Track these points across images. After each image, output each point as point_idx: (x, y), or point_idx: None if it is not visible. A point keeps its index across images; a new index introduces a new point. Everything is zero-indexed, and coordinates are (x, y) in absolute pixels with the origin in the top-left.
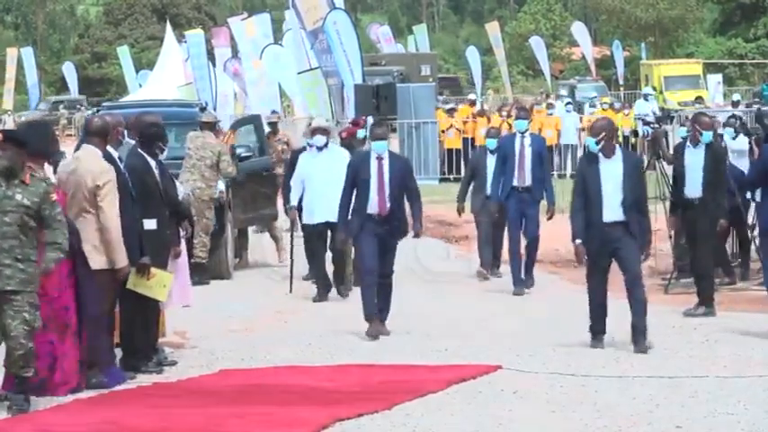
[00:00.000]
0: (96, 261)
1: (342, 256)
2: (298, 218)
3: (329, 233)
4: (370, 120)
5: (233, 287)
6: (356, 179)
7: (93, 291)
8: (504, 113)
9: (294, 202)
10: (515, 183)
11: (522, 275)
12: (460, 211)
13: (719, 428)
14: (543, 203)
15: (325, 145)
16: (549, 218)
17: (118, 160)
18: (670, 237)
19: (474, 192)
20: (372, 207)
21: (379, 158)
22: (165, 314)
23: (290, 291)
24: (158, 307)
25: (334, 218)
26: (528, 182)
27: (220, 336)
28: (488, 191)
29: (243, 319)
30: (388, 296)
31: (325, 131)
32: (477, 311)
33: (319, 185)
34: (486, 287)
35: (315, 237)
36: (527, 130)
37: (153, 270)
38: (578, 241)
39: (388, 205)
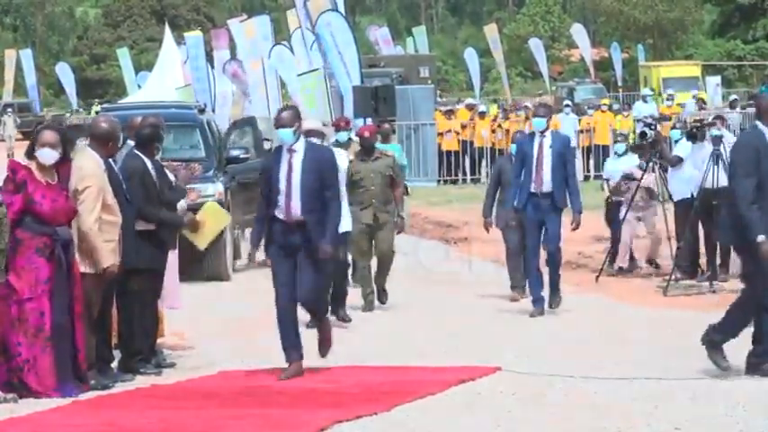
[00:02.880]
0: (82, 264)
1: (342, 274)
2: None
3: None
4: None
5: (231, 288)
6: (268, 179)
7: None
8: (502, 115)
9: None
10: (533, 188)
11: (545, 293)
12: (488, 226)
13: (718, 430)
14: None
15: None
16: (574, 228)
17: (112, 163)
18: (669, 239)
19: (500, 204)
20: (280, 212)
21: (290, 151)
22: (164, 315)
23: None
24: (157, 309)
25: None
26: (547, 187)
27: (219, 337)
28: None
29: (241, 321)
30: (323, 337)
31: (318, 134)
32: (476, 313)
33: None
34: (486, 289)
35: None
36: (546, 129)
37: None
38: (762, 237)
39: (298, 210)
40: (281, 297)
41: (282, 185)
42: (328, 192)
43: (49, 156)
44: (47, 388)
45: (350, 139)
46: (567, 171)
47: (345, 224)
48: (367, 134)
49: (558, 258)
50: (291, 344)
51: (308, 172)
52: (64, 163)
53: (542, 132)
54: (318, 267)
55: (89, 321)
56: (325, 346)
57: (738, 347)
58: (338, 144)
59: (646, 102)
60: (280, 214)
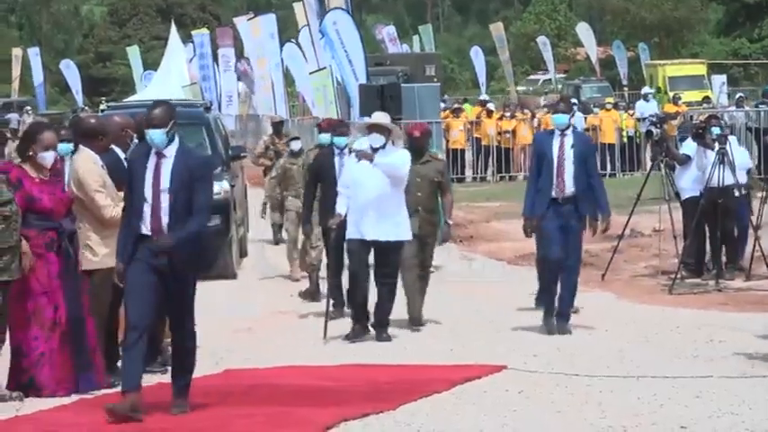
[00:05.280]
0: (87, 261)
1: (390, 290)
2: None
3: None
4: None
5: (237, 286)
6: (130, 186)
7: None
8: (508, 114)
9: (342, 210)
10: (554, 193)
11: (554, 315)
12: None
13: (723, 428)
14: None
15: (383, 147)
16: (605, 230)
17: (124, 162)
18: (675, 237)
19: None
20: (145, 226)
21: (159, 155)
22: None
23: (325, 336)
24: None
25: (388, 236)
26: (570, 191)
27: (225, 336)
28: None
29: (247, 319)
30: (184, 369)
31: (383, 129)
32: (481, 312)
33: (371, 194)
34: (491, 288)
35: (358, 257)
36: (568, 126)
37: None
38: None
39: (165, 223)
40: (131, 323)
41: (148, 195)
42: (197, 203)
43: (51, 158)
44: (59, 383)
45: (332, 142)
46: (590, 172)
47: (405, 233)
48: (417, 134)
49: (575, 277)
50: (133, 372)
51: (179, 181)
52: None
53: (563, 131)
54: (185, 296)
55: (100, 318)
56: (182, 397)
57: (742, 344)
58: (320, 147)
59: (647, 100)
60: (144, 229)
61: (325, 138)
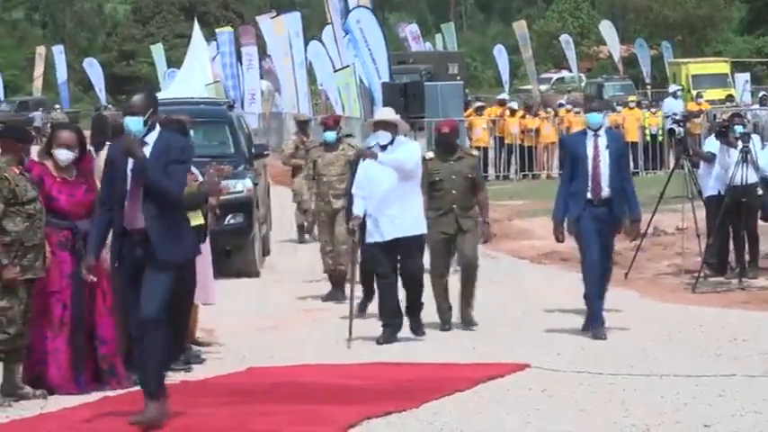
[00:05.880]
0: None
1: (419, 283)
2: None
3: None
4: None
5: (260, 285)
6: (111, 177)
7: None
8: (532, 114)
9: (359, 211)
10: (589, 195)
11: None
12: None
13: (747, 427)
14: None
15: (391, 142)
16: (634, 238)
17: None
18: (698, 236)
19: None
20: (123, 219)
21: (140, 143)
22: (198, 311)
23: (350, 336)
24: (190, 306)
25: (405, 233)
26: (606, 193)
27: (248, 334)
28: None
29: (270, 318)
30: (151, 359)
31: (389, 125)
32: (503, 311)
33: (383, 191)
34: (514, 287)
35: (381, 259)
36: (601, 126)
37: None
38: None
39: (141, 215)
40: (134, 329)
41: (128, 186)
42: (161, 192)
43: (65, 156)
44: (70, 381)
45: (339, 138)
46: (623, 174)
47: (421, 226)
48: (446, 129)
49: (609, 275)
50: (153, 378)
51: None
52: (84, 158)
53: (596, 131)
54: (158, 284)
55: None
56: (153, 379)
57: (765, 342)
58: (326, 144)
59: (676, 98)
60: (123, 221)
61: (329, 135)
